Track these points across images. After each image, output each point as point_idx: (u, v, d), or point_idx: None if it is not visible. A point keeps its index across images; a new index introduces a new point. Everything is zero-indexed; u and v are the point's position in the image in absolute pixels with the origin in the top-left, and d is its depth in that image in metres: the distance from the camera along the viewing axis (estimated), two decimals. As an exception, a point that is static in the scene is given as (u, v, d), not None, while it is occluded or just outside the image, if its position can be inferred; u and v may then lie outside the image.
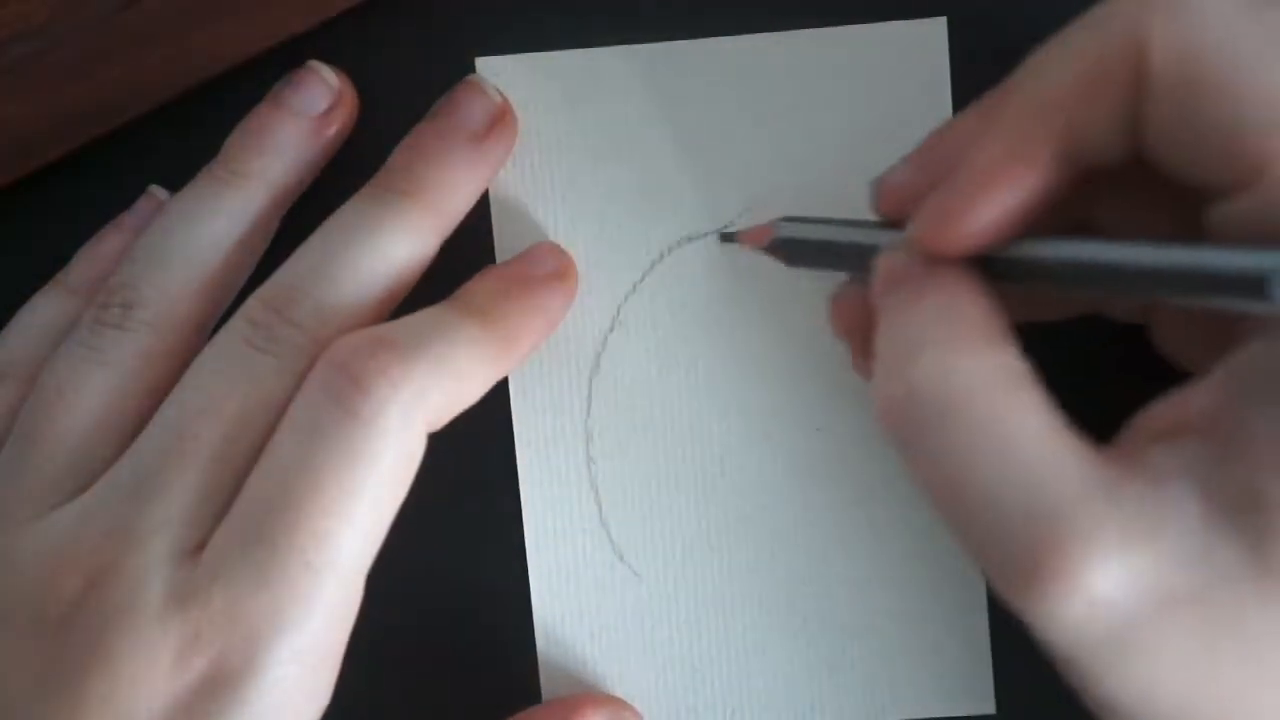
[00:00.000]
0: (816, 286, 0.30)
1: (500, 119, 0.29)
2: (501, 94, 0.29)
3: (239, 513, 0.25)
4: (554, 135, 0.30)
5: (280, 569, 0.24)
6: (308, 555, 0.25)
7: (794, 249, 0.28)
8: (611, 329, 0.30)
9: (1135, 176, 0.23)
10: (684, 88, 0.29)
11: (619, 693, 0.30)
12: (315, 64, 0.29)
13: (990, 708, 0.30)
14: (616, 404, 0.30)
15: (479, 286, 0.28)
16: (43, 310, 0.29)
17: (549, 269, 0.29)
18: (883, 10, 0.29)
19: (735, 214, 0.30)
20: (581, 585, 0.30)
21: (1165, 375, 0.24)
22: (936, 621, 0.30)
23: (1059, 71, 0.23)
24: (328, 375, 0.25)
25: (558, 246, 0.30)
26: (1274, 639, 0.20)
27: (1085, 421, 0.22)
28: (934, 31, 0.29)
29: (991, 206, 0.23)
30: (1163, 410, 0.22)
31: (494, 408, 0.29)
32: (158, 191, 0.30)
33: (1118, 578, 0.20)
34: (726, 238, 0.30)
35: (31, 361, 0.28)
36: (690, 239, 0.30)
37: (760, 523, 0.30)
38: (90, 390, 0.27)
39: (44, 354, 0.28)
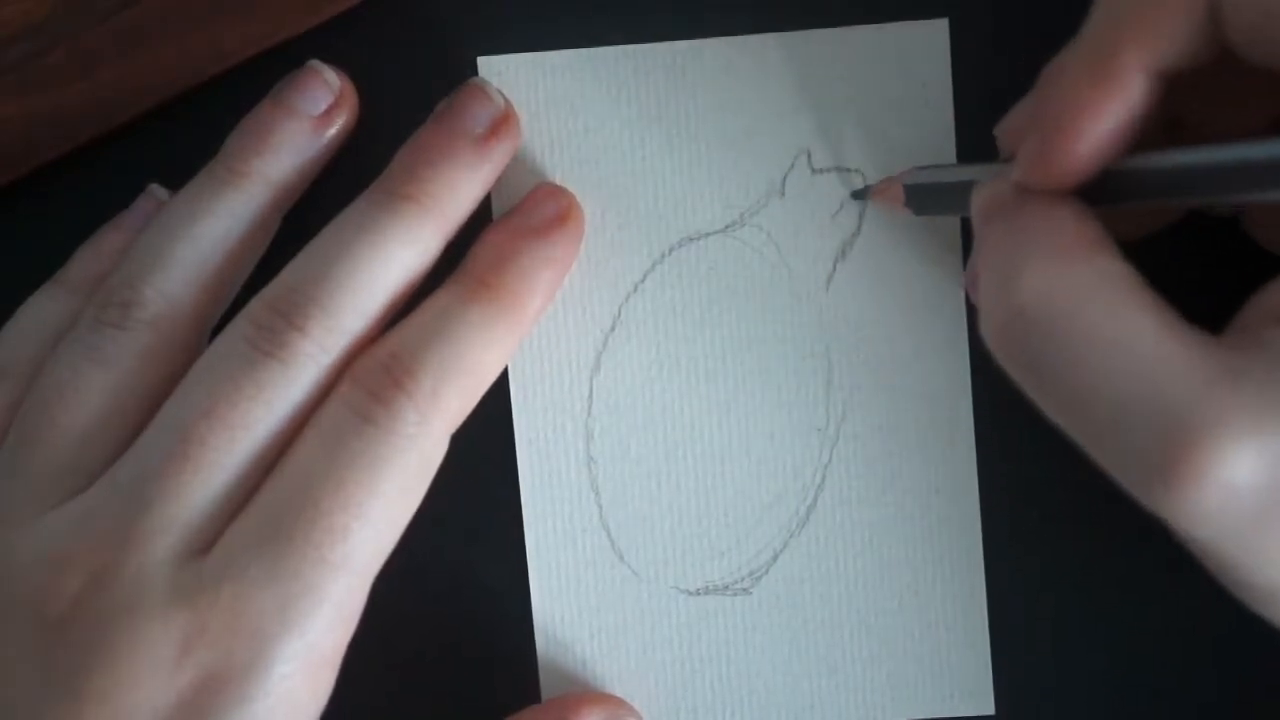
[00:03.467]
0: (819, 286, 0.30)
1: (503, 122, 0.29)
2: (504, 96, 0.29)
3: (255, 511, 0.26)
4: (555, 135, 0.30)
5: (294, 564, 0.25)
6: (323, 551, 0.25)
7: (924, 195, 0.28)
8: (612, 329, 0.30)
9: (1223, 76, 0.23)
10: (685, 88, 0.29)
11: (618, 692, 0.30)
12: (316, 63, 0.29)
13: (990, 708, 0.30)
14: (617, 404, 0.30)
15: (479, 256, 0.28)
16: (42, 309, 0.29)
17: (548, 215, 0.29)
18: (884, 11, 0.29)
19: (737, 214, 0.30)
20: (581, 585, 0.30)
21: (1265, 264, 0.24)
22: (936, 622, 0.30)
23: None
24: (346, 390, 0.26)
25: (556, 187, 0.30)
26: None
27: (1193, 318, 0.22)
28: (936, 33, 0.29)
29: (1087, 136, 0.23)
30: (1275, 292, 0.22)
31: (494, 407, 0.29)
32: (157, 190, 0.30)
33: (1253, 460, 0.20)
34: (858, 194, 0.29)
35: (30, 360, 0.28)
36: (691, 239, 0.30)
37: (761, 523, 0.30)
38: (90, 389, 0.27)
39: (43, 353, 0.28)
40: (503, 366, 0.29)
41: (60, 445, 0.27)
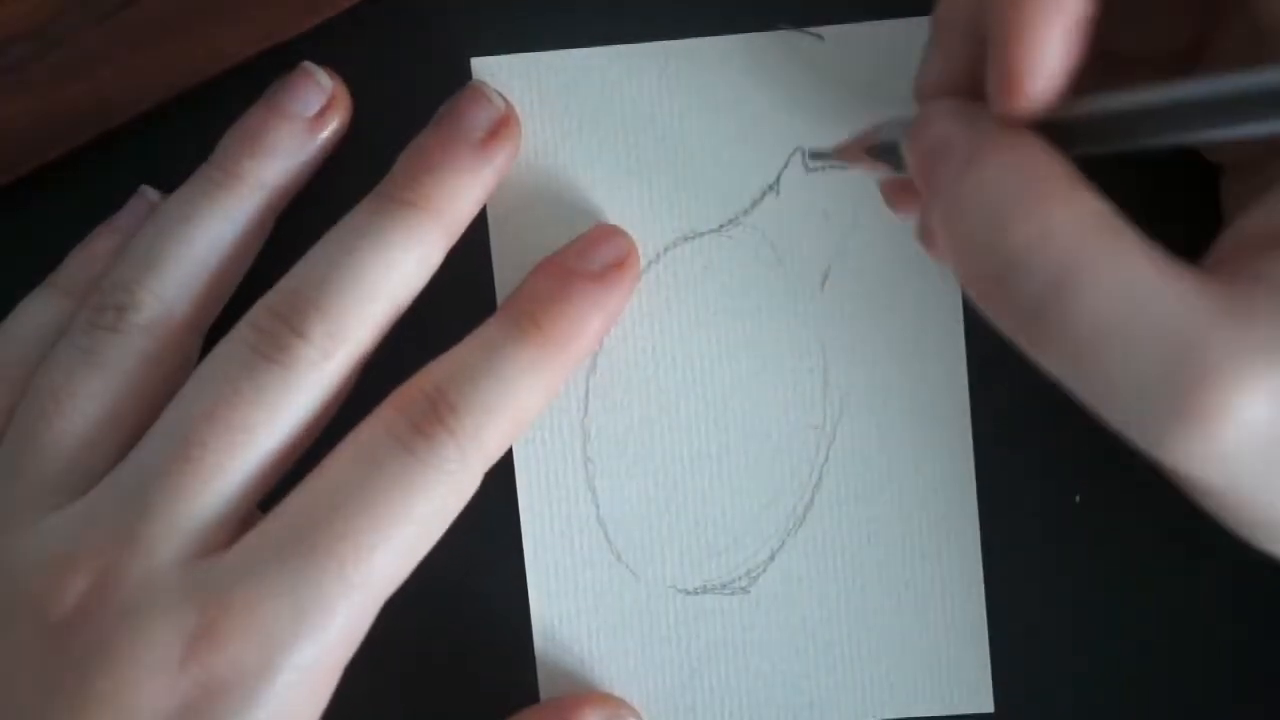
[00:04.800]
0: (815, 285, 0.30)
1: (504, 125, 0.29)
2: (505, 99, 0.29)
3: (279, 518, 0.26)
4: (550, 135, 0.30)
5: (315, 577, 0.25)
6: (346, 568, 0.25)
7: (894, 151, 0.26)
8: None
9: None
10: (679, 87, 0.30)
11: (617, 692, 0.30)
12: (309, 65, 0.29)
13: (989, 706, 0.30)
14: (614, 404, 0.30)
15: (533, 289, 0.28)
16: (35, 312, 0.29)
17: (608, 260, 0.29)
18: (876, 9, 0.29)
19: (732, 213, 0.30)
20: (579, 585, 0.30)
21: (1210, 174, 0.23)
22: (935, 619, 0.30)
23: None
24: (390, 417, 0.26)
25: (616, 229, 0.30)
26: None
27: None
28: (926, 30, 0.29)
29: (1053, 45, 0.21)
30: (1260, 220, 0.22)
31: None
32: (148, 192, 0.30)
33: (1268, 394, 0.19)
34: (817, 156, 0.29)
35: (24, 363, 0.28)
36: (686, 238, 0.30)
37: (758, 522, 0.30)
38: (86, 393, 0.27)
39: (37, 355, 0.28)
40: (545, 407, 0.28)
41: (59, 448, 0.27)
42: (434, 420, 0.26)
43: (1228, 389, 0.19)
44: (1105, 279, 0.20)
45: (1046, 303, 0.21)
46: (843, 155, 0.28)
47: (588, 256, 0.29)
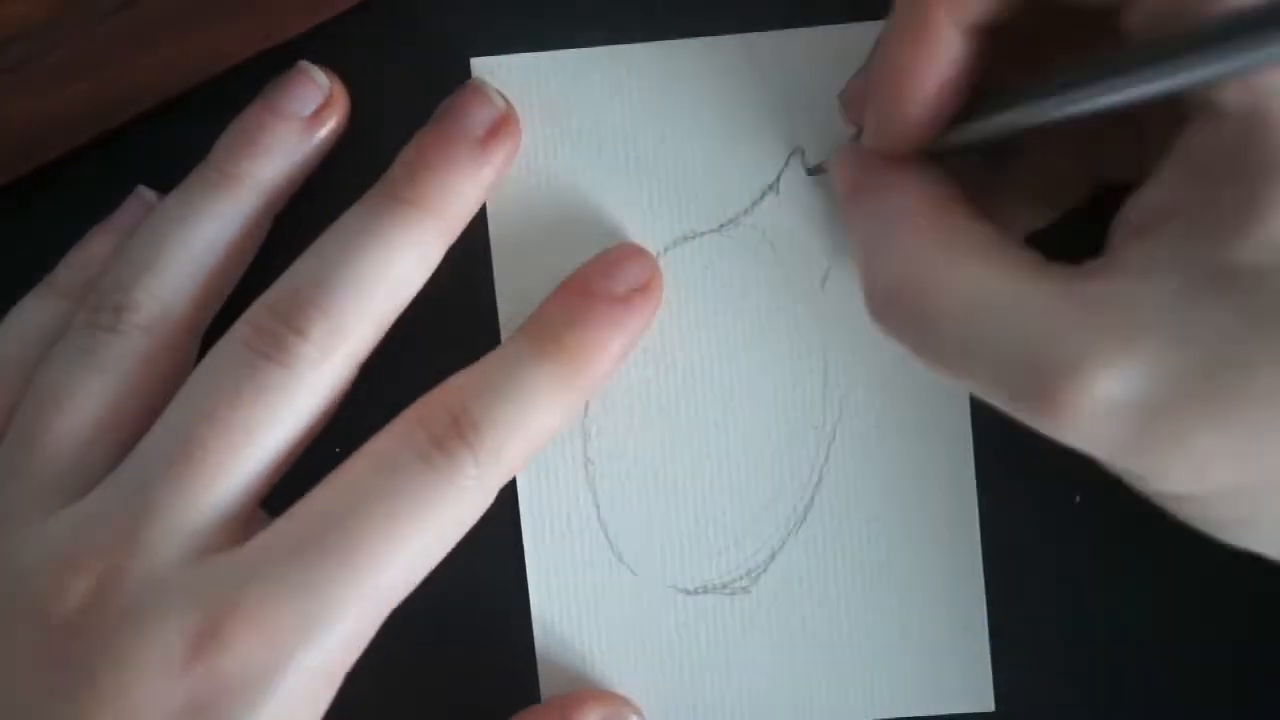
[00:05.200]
0: (815, 285, 0.30)
1: (504, 123, 0.29)
2: (504, 98, 0.29)
3: (293, 522, 0.26)
4: (550, 135, 0.30)
5: (326, 582, 0.25)
6: (359, 576, 0.25)
7: None
8: (609, 329, 0.30)
9: (1049, 26, 0.23)
10: (678, 87, 0.30)
11: (618, 691, 0.30)
12: (305, 65, 0.29)
13: (989, 706, 0.30)
14: (614, 403, 0.30)
15: (557, 310, 0.28)
16: (32, 312, 0.29)
17: (632, 282, 0.29)
18: (878, 9, 0.29)
19: (732, 213, 0.30)
20: (580, 585, 0.30)
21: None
22: (935, 619, 0.30)
23: None
24: (410, 431, 0.26)
25: (643, 253, 0.29)
26: None
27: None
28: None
29: (916, 99, 0.24)
30: (1130, 208, 0.23)
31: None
32: (145, 192, 0.30)
33: (1123, 376, 0.21)
34: (812, 171, 0.30)
35: (22, 363, 0.28)
36: (686, 238, 0.30)
37: (759, 522, 0.30)
38: (86, 394, 0.27)
39: (34, 356, 0.28)
40: (564, 427, 0.29)
41: (59, 449, 0.27)
42: (455, 436, 0.26)
43: (1077, 379, 0.21)
44: (965, 295, 0.22)
45: (915, 323, 0.23)
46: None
47: (612, 277, 0.29)
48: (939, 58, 0.23)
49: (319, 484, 0.26)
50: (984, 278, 0.22)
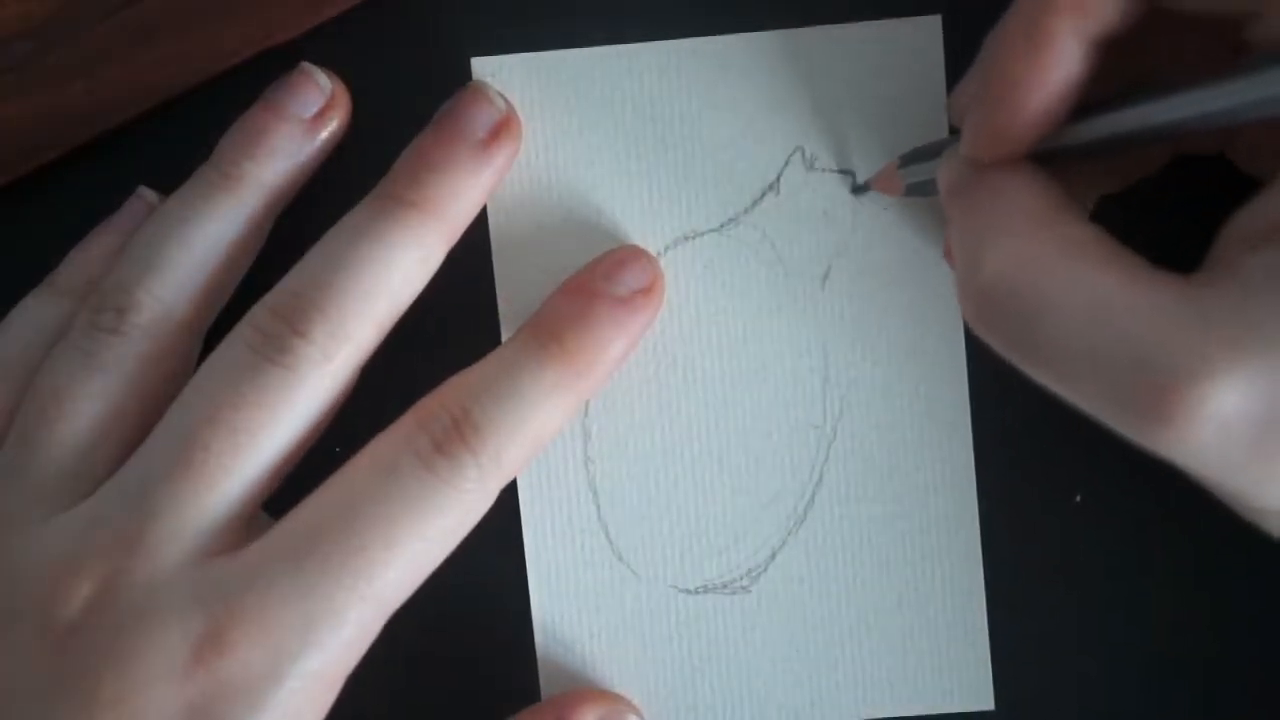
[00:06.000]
0: (815, 284, 0.30)
1: (505, 125, 0.29)
2: (505, 99, 0.29)
3: (292, 525, 0.26)
4: (550, 135, 0.30)
5: (326, 587, 0.25)
6: (358, 581, 0.25)
7: (921, 180, 0.28)
8: (609, 328, 0.30)
9: (1166, 35, 0.23)
10: (679, 87, 0.30)
11: (618, 691, 0.30)
12: (307, 66, 0.29)
13: (989, 704, 0.30)
14: (614, 404, 0.30)
15: (559, 309, 0.28)
16: (33, 312, 0.29)
17: (635, 285, 0.29)
18: (878, 8, 0.29)
19: (732, 212, 0.30)
20: (580, 585, 0.30)
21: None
22: (935, 618, 0.30)
23: None
24: (412, 433, 0.26)
25: (645, 255, 0.29)
26: None
27: (1190, 258, 0.22)
28: (929, 29, 0.29)
29: (1026, 108, 0.23)
30: (1247, 218, 0.22)
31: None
32: (146, 193, 0.30)
33: (1239, 390, 0.20)
34: (859, 189, 0.29)
35: (23, 363, 0.28)
36: (687, 238, 0.30)
37: (759, 521, 0.30)
38: (87, 396, 0.27)
39: (35, 356, 0.28)
40: (564, 428, 0.29)
41: (62, 451, 0.27)
42: (456, 439, 0.26)
43: (1193, 390, 0.20)
44: (1071, 300, 0.22)
45: (1018, 326, 0.22)
46: (880, 186, 0.29)
47: (614, 279, 0.29)
48: (1057, 70, 0.23)
49: (319, 487, 0.26)
50: (1098, 281, 0.22)
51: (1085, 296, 0.22)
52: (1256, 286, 0.21)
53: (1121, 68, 0.24)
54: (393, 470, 0.26)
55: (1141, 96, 0.22)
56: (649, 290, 0.29)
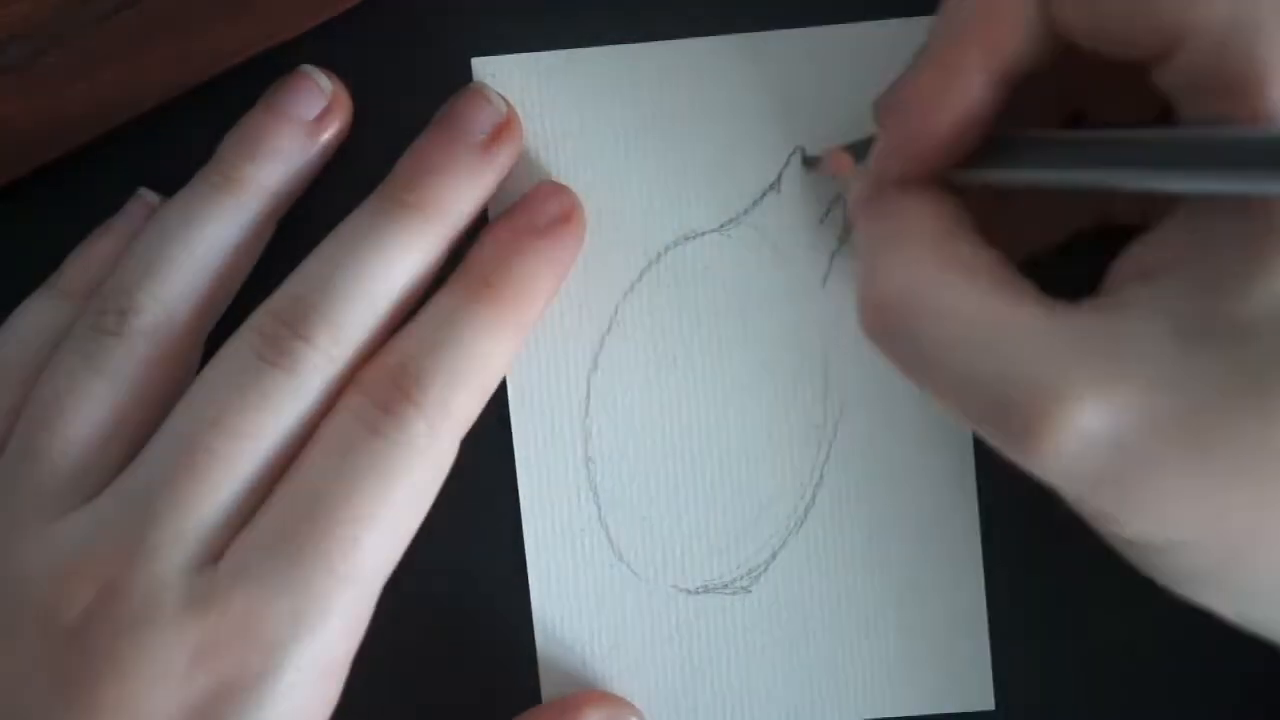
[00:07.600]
0: (814, 283, 0.30)
1: (505, 127, 0.29)
2: (506, 101, 0.29)
3: (265, 521, 0.26)
4: (550, 135, 0.30)
5: (305, 575, 0.25)
6: (333, 562, 0.25)
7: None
8: (609, 329, 0.30)
9: (1103, 71, 0.24)
10: (679, 87, 0.30)
11: (619, 692, 0.30)
12: (308, 68, 0.29)
13: (989, 704, 0.30)
14: (615, 403, 0.30)
15: (481, 255, 0.28)
16: (35, 315, 0.29)
17: (552, 214, 0.29)
18: (878, 8, 0.29)
19: (732, 213, 0.30)
20: (581, 585, 0.30)
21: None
22: (936, 618, 0.30)
23: None
24: (356, 402, 0.26)
25: (558, 185, 0.29)
26: (1270, 450, 0.20)
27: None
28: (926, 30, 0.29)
29: (931, 135, 0.24)
30: (1140, 249, 0.23)
31: (492, 408, 0.29)
32: (147, 194, 0.30)
33: (1101, 412, 0.21)
34: (809, 162, 0.30)
35: (25, 365, 0.28)
36: (687, 238, 0.30)
37: (759, 521, 0.30)
38: (89, 399, 0.27)
39: (37, 358, 0.28)
40: (508, 367, 0.29)
41: (64, 455, 0.27)
42: (399, 397, 0.26)
43: (1057, 411, 0.21)
44: (953, 318, 0.23)
45: (903, 340, 0.23)
46: (830, 163, 0.29)
47: (533, 214, 0.29)
48: (962, 99, 0.23)
49: (280, 480, 0.26)
50: (976, 302, 0.23)
51: (965, 316, 0.22)
52: (1130, 315, 0.21)
53: (1055, 104, 0.25)
54: (344, 446, 0.26)
55: (1054, 154, 0.23)
56: (567, 218, 0.29)
